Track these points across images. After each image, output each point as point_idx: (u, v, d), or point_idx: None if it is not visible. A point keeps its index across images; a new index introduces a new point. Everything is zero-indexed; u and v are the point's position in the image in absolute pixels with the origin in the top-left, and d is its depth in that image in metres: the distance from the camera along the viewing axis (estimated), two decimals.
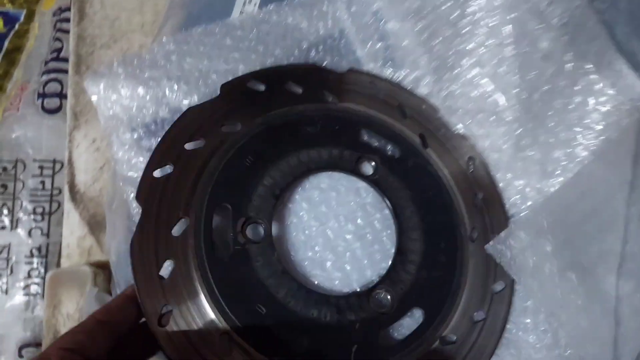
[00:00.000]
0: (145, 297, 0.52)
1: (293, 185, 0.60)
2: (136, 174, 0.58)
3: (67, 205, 0.64)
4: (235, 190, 0.57)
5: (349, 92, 0.65)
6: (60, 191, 0.72)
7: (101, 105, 0.61)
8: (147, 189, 0.55)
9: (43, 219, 0.73)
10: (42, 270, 0.69)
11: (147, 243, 0.53)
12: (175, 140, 0.58)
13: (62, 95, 0.76)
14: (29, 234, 0.73)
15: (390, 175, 0.63)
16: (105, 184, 0.64)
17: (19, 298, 0.69)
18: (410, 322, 0.57)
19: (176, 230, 0.54)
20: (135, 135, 0.60)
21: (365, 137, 0.64)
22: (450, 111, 0.67)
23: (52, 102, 0.76)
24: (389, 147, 0.64)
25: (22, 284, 0.70)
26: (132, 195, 0.57)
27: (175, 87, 0.62)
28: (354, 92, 0.66)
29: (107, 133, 0.60)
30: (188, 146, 0.58)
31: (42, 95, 0.76)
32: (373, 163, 0.63)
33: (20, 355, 0.66)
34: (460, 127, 0.67)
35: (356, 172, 0.62)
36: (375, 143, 0.64)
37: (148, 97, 0.61)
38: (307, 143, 0.61)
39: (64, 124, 0.70)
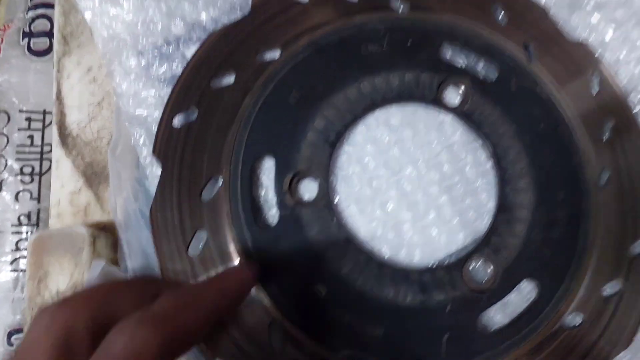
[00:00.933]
0: (171, 279, 0.41)
1: (353, 125, 0.46)
2: (145, 112, 0.46)
3: (57, 152, 0.52)
4: (278, 138, 0.44)
5: None
6: (51, 148, 0.61)
7: (97, 24, 0.48)
8: (166, 141, 0.43)
9: (32, 180, 0.63)
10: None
11: (171, 211, 0.42)
12: (198, 77, 0.45)
13: (51, 35, 0.64)
14: (16, 198, 0.63)
15: (485, 103, 0.47)
16: (104, 123, 0.51)
17: (5, 275, 0.60)
18: (518, 300, 0.43)
19: (206, 194, 0.43)
20: (143, 62, 0.47)
21: (449, 54, 0.48)
22: (569, 8, 0.49)
23: (40, 43, 0.64)
24: (481, 65, 0.48)
25: (8, 257, 0.60)
26: (142, 139, 0.45)
27: None
28: None
29: (106, 60, 0.47)
30: (214, 83, 0.45)
31: (29, 35, 0.64)
32: (461, 89, 0.47)
33: (10, 343, 0.57)
34: (581, 33, 0.49)
35: (438, 102, 0.47)
36: (462, 61, 0.48)
37: (156, 10, 0.48)
38: (370, 68, 0.46)
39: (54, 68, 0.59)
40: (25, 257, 0.58)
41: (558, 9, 0.50)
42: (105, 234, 0.46)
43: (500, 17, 0.49)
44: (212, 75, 0.45)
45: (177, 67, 0.47)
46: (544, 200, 0.45)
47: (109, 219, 0.48)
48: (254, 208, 0.43)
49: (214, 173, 0.43)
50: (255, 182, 0.44)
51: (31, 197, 0.63)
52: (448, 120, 0.47)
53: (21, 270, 0.61)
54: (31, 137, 0.65)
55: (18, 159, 0.64)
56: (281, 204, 0.43)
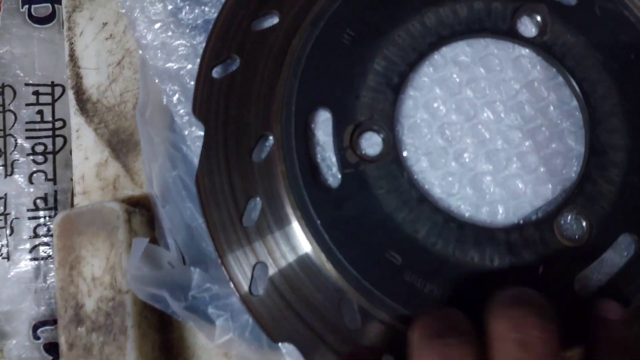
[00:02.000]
0: (226, 255, 0.36)
1: (418, 65, 0.40)
2: (177, 65, 0.40)
3: (76, 121, 0.46)
4: (333, 85, 0.38)
5: None
6: (64, 123, 0.56)
7: None
8: (207, 96, 0.38)
9: (46, 159, 0.57)
10: (52, 226, 0.54)
11: (219, 177, 0.37)
12: (237, 19, 0.39)
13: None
14: (30, 180, 0.58)
15: (566, 32, 0.41)
16: (127, 85, 0.45)
17: (25, 264, 0.56)
18: (616, 258, 0.38)
19: (257, 155, 0.37)
20: (170, 6, 0.41)
21: None
22: None
23: (42, 8, 0.58)
24: None
25: (27, 245, 0.56)
26: (176, 96, 0.40)
27: None
28: None
29: (126, 7, 0.41)
30: (256, 25, 0.39)
31: (29, 1, 0.59)
32: (538, 17, 0.41)
33: (36, 337, 0.54)
34: None
35: (513, 34, 0.41)
36: None
37: None
38: None
39: (60, 35, 0.52)
40: (45, 244, 0.54)
41: None
42: (140, 210, 0.41)
43: None
44: (252, 16, 0.39)
45: (211, 11, 0.41)
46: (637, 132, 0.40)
47: (142, 192, 0.43)
48: (312, 168, 0.38)
49: (264, 130, 0.38)
50: (311, 137, 0.38)
51: (46, 178, 0.58)
52: (525, 54, 0.41)
53: (42, 258, 0.56)
54: (41, 112, 0.60)
55: (28, 138, 0.59)
56: (342, 162, 0.38)
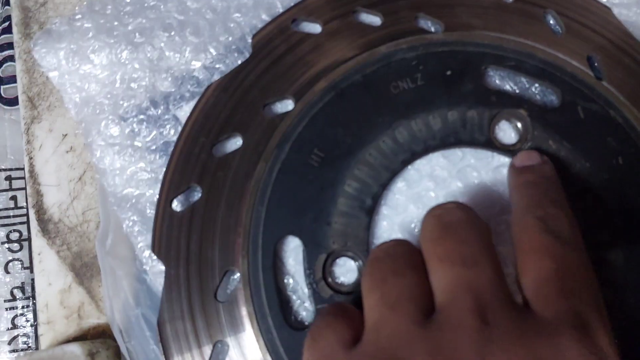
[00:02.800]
0: None
1: (391, 183, 0.38)
2: (137, 191, 0.38)
3: (37, 243, 0.45)
4: (303, 212, 0.36)
5: (460, 8, 0.40)
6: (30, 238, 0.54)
7: (66, 86, 0.40)
8: (167, 232, 0.36)
9: (21, 247, 0.55)
10: (31, 317, 0.51)
11: (182, 322, 0.35)
12: (197, 145, 0.37)
13: None
14: (6, 269, 0.57)
15: (548, 138, 0.39)
16: (89, 202, 0.44)
17: (4, 357, 0.54)
18: None
19: (222, 293, 0.35)
20: (128, 129, 0.40)
21: (497, 81, 0.40)
22: (637, 4, 0.41)
23: (12, 89, 0.56)
24: (537, 90, 0.40)
25: (5, 337, 0.55)
26: (136, 226, 0.38)
27: (178, 39, 0.40)
28: (467, 7, 0.40)
29: (82, 129, 0.40)
30: (218, 150, 0.37)
31: None
32: (519, 123, 0.39)
33: None
34: None
35: (492, 144, 0.39)
36: (514, 88, 0.40)
37: (136, 63, 0.40)
38: (405, 110, 0.38)
39: None
40: (25, 335, 0.52)
41: (621, 7, 0.42)
42: (106, 342, 0.39)
43: (555, 25, 0.41)
44: (213, 141, 0.37)
45: (170, 132, 0.39)
46: (635, 251, 0.37)
47: (108, 321, 0.41)
48: (283, 304, 0.35)
49: (228, 266, 0.35)
50: (280, 270, 0.36)
51: (22, 267, 0.55)
52: (506, 164, 0.39)
53: (21, 350, 0.54)
54: (14, 198, 0.58)
55: (3, 225, 0.57)
56: (315, 297, 0.35)
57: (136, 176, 0.39)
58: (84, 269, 0.42)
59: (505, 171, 0.39)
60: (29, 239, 0.55)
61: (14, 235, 0.57)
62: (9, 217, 0.58)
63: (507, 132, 0.39)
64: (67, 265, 0.42)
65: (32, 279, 0.54)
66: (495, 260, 0.29)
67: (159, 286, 0.36)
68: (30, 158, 0.44)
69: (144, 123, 0.40)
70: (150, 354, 0.36)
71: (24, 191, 0.57)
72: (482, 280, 0.27)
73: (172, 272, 0.35)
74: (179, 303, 0.35)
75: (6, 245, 0.56)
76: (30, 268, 0.54)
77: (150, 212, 0.38)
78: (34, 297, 0.55)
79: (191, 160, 0.37)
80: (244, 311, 0.35)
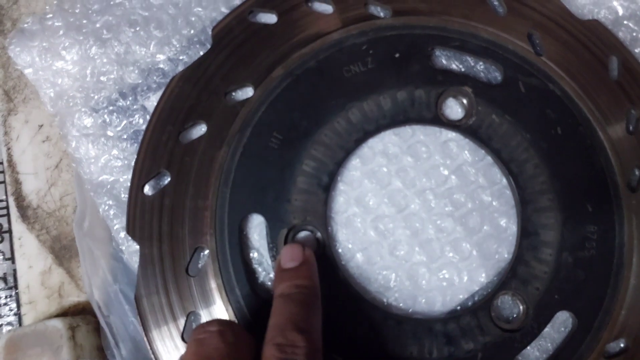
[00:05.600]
0: None
1: (346, 161, 0.41)
2: (111, 177, 0.41)
3: (18, 228, 0.47)
4: (265, 191, 0.39)
5: None
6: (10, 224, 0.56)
7: (41, 81, 0.43)
8: (140, 215, 0.39)
9: (2, 239, 0.58)
10: (15, 306, 0.51)
11: (158, 297, 0.37)
12: (164, 133, 0.40)
13: None
14: None
15: (492, 113, 0.41)
16: (66, 188, 0.46)
17: None
18: (554, 334, 0.39)
19: (194, 268, 0.38)
20: (100, 120, 0.42)
21: (443, 61, 0.42)
22: None
23: None
24: (481, 67, 0.42)
25: None
26: (111, 210, 0.41)
27: (143, 34, 0.42)
28: None
29: (57, 121, 0.43)
30: (184, 137, 0.39)
31: None
32: (464, 100, 0.41)
33: None
34: (591, 10, 0.43)
35: (439, 120, 0.41)
36: (459, 67, 0.42)
37: (104, 58, 0.42)
38: (357, 92, 0.41)
39: None
40: (9, 324, 0.54)
41: None
42: (86, 318, 0.42)
43: (498, 6, 0.43)
44: (179, 128, 0.40)
45: (139, 122, 0.42)
46: (571, 215, 0.40)
47: (87, 299, 0.44)
48: (249, 275, 0.38)
49: (198, 243, 0.38)
50: (246, 244, 0.39)
51: (4, 258, 0.57)
52: (452, 139, 0.42)
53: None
54: None
55: None
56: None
57: (110, 164, 0.41)
58: (63, 251, 0.45)
59: (452, 146, 0.42)
60: (9, 231, 0.57)
61: None
62: None
63: (453, 109, 0.42)
64: (47, 248, 0.45)
65: (14, 270, 0.56)
66: None
67: (135, 264, 0.39)
68: (8, 149, 0.47)
69: (115, 114, 0.42)
70: (129, 325, 0.39)
71: (2, 184, 0.59)
72: None
73: (147, 251, 0.38)
74: (154, 279, 0.38)
75: None
76: (12, 259, 0.57)
77: (125, 196, 0.40)
78: (16, 287, 0.57)
79: (160, 148, 0.39)
80: (213, 284, 0.38)
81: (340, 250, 0.40)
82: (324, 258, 0.39)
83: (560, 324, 0.39)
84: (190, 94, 0.40)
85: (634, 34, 0.43)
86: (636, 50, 0.43)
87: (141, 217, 0.39)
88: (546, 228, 0.40)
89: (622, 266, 0.40)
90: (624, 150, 0.42)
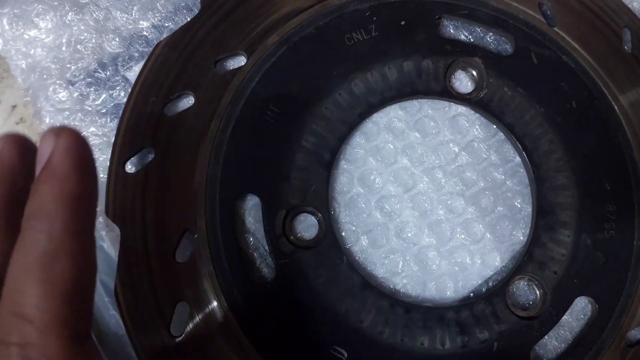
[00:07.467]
0: None
1: (350, 137, 0.37)
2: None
3: None
4: (260, 168, 0.35)
5: None
6: None
7: (11, 52, 0.38)
8: (120, 195, 0.34)
9: None
10: None
11: (141, 286, 0.33)
12: (148, 105, 0.35)
13: None
14: None
15: (503, 86, 0.38)
16: None
17: None
18: (573, 321, 0.36)
19: (182, 253, 0.34)
20: (76, 93, 0.38)
21: (451, 30, 0.39)
22: None
23: None
24: (492, 38, 0.39)
25: None
26: None
27: None
28: None
29: (30, 96, 0.38)
30: (170, 109, 0.35)
31: None
32: (474, 72, 0.38)
33: None
34: None
35: (448, 93, 0.38)
36: (469, 37, 0.39)
37: (82, 25, 0.38)
38: (360, 61, 0.37)
39: None
40: None
41: None
42: None
43: None
44: (165, 99, 0.35)
45: (120, 95, 0.38)
46: (589, 194, 0.38)
47: None
48: (243, 261, 0.34)
49: (186, 226, 0.34)
50: (241, 226, 0.35)
51: None
52: (463, 112, 0.39)
53: None
54: None
55: None
56: (276, 252, 0.34)
57: (88, 141, 0.37)
58: None
59: (462, 120, 0.39)
60: None
61: None
62: None
63: (463, 81, 0.39)
64: None
65: None
66: None
67: (116, 252, 0.35)
68: None
69: (93, 86, 0.38)
70: (110, 319, 0.35)
71: None
72: None
73: (129, 235, 0.34)
74: (137, 266, 0.33)
75: None
76: None
77: (104, 176, 0.36)
78: None
79: (143, 121, 0.35)
80: (204, 271, 0.34)
81: (343, 234, 0.36)
82: (326, 242, 0.35)
83: (580, 310, 0.36)
84: (176, 62, 0.36)
85: None
86: None
87: (122, 197, 0.34)
88: (563, 207, 0.37)
89: None
90: None
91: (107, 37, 0.38)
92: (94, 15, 0.38)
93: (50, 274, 0.24)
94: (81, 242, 0.25)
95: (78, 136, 0.26)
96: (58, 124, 0.37)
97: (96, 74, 0.38)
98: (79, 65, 0.38)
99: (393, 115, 0.38)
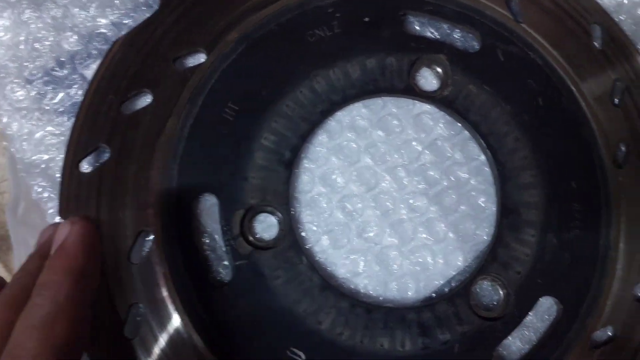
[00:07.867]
0: None
1: (311, 135, 0.37)
2: (46, 156, 0.37)
3: None
4: (218, 167, 0.35)
5: None
6: None
7: None
8: (75, 194, 0.34)
9: None
10: None
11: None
12: (105, 102, 0.35)
13: None
14: None
15: (469, 83, 0.38)
16: (3, 173, 0.41)
17: None
18: (537, 324, 0.36)
19: (137, 255, 0.33)
20: (34, 91, 0.37)
21: (417, 27, 0.39)
22: None
23: None
24: (458, 35, 0.39)
25: None
26: (45, 192, 0.36)
27: None
28: None
29: None
30: (127, 107, 0.35)
31: None
32: (439, 69, 0.37)
33: None
34: None
35: (412, 91, 0.38)
36: (435, 33, 0.39)
37: (40, 22, 0.37)
38: (322, 58, 0.37)
39: None
40: None
41: None
42: None
43: None
44: (122, 97, 0.35)
45: (78, 93, 0.37)
46: (555, 193, 0.37)
47: None
48: (200, 263, 0.34)
49: (142, 226, 0.33)
50: (197, 227, 0.35)
51: None
52: (427, 110, 0.38)
53: None
54: None
55: None
56: (233, 252, 0.34)
57: (45, 140, 0.36)
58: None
59: (426, 119, 0.38)
60: None
61: None
62: None
63: (427, 79, 0.38)
64: None
65: None
66: None
67: None
68: None
69: (51, 84, 0.37)
70: None
71: None
72: None
73: None
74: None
75: None
76: None
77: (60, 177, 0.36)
78: None
79: (99, 119, 0.34)
80: (159, 272, 0.33)
81: (303, 234, 0.36)
82: (286, 242, 0.35)
83: (544, 311, 0.36)
84: (134, 59, 0.35)
85: (618, 0, 0.40)
86: (621, 17, 0.40)
87: (76, 197, 0.33)
88: (528, 207, 0.37)
89: (609, 248, 0.37)
90: (609, 123, 0.39)
91: (65, 34, 0.38)
92: (52, 13, 0.38)
93: (49, 333, 0.27)
94: (80, 311, 0.29)
95: (89, 225, 0.32)
96: (15, 124, 0.37)
97: (54, 72, 0.38)
98: (37, 63, 0.38)
99: (356, 114, 0.37)
